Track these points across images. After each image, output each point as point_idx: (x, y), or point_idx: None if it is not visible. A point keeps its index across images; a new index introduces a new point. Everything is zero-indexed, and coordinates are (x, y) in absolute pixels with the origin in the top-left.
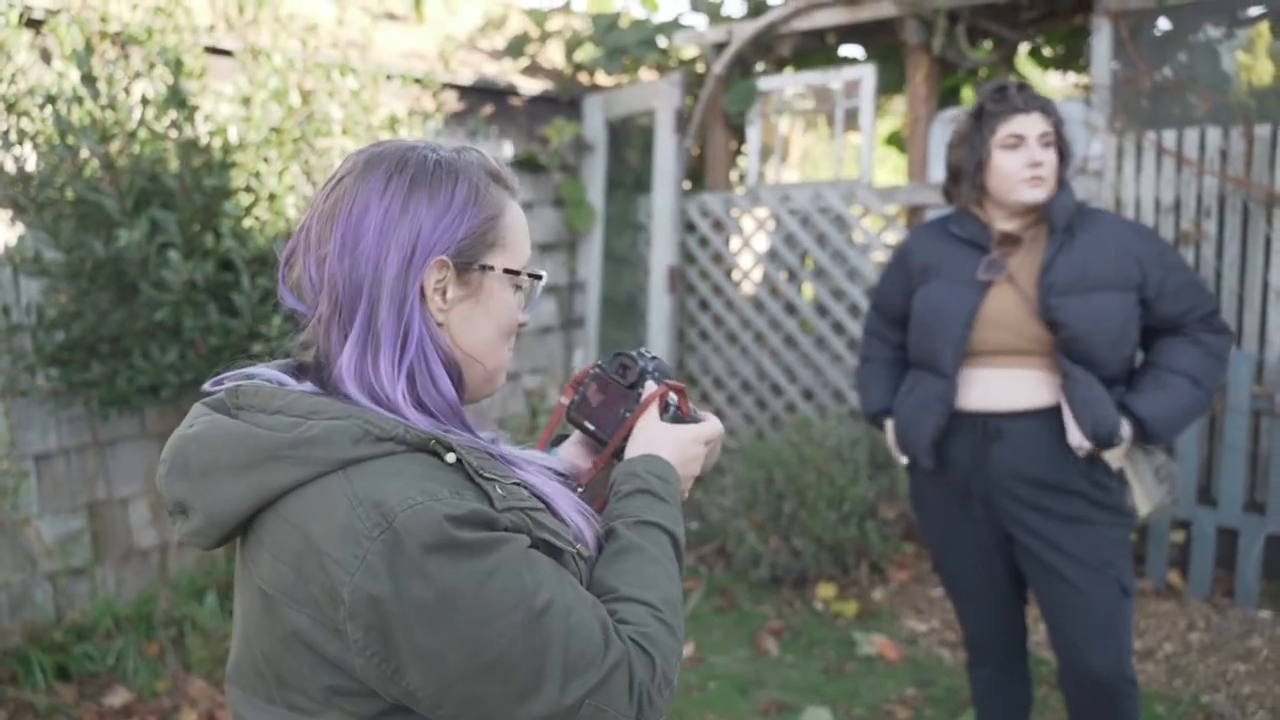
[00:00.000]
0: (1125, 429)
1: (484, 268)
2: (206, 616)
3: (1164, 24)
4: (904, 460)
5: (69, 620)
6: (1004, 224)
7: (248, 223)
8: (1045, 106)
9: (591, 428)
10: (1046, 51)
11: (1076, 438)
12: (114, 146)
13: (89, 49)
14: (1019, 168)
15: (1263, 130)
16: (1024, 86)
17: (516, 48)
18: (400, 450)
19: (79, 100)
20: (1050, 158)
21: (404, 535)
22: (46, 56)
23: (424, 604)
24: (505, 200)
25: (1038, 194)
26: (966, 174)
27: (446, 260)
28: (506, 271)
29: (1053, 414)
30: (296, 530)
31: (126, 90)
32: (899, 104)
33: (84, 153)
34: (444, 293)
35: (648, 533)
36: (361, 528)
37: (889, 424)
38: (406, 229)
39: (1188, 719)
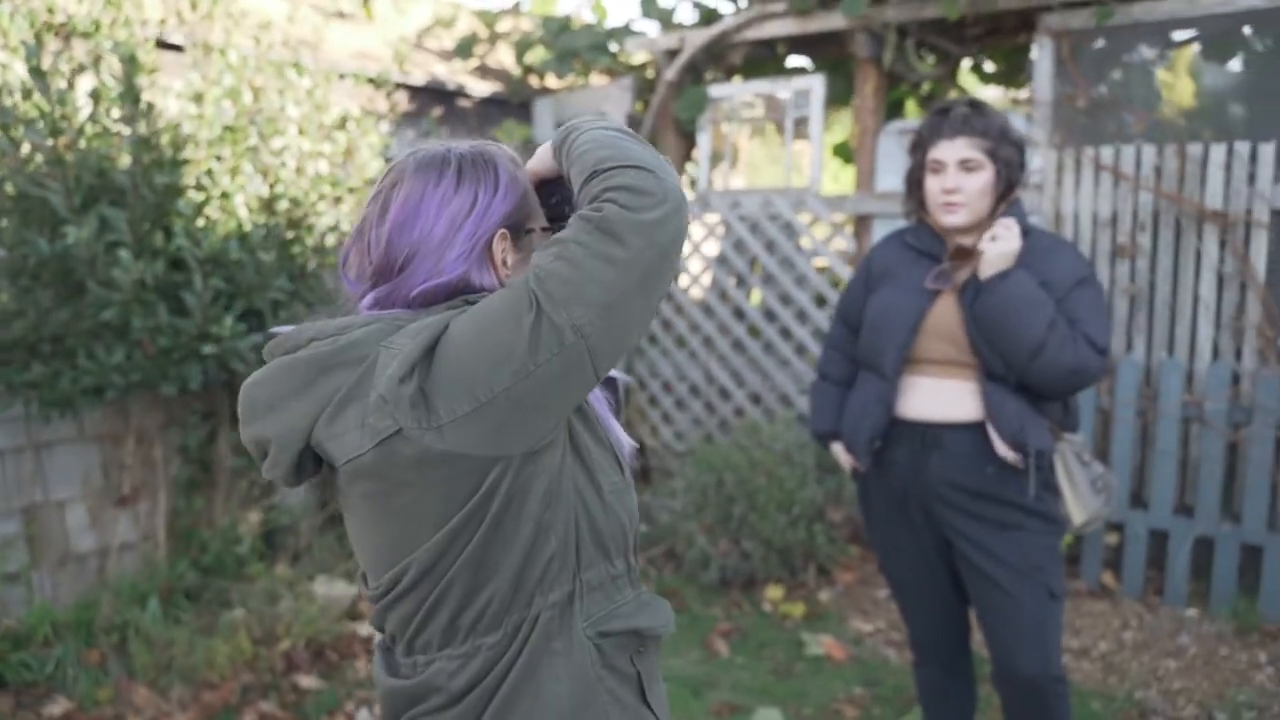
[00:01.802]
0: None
1: (528, 231)
2: (150, 622)
3: (1101, 44)
4: (849, 467)
5: (3, 627)
6: (960, 237)
7: (201, 221)
8: (982, 130)
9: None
10: (988, 67)
11: (1002, 449)
12: (62, 141)
13: (39, 41)
14: (936, 192)
15: (1195, 149)
16: (975, 105)
17: (466, 48)
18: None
19: (28, 93)
20: (970, 183)
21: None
22: None
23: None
24: (524, 175)
25: (952, 218)
26: (910, 190)
27: (505, 231)
28: (543, 230)
29: (986, 427)
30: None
31: (70, 84)
32: (843, 115)
33: (26, 147)
34: (505, 260)
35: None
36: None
37: (835, 445)
38: (460, 206)
39: (1122, 715)
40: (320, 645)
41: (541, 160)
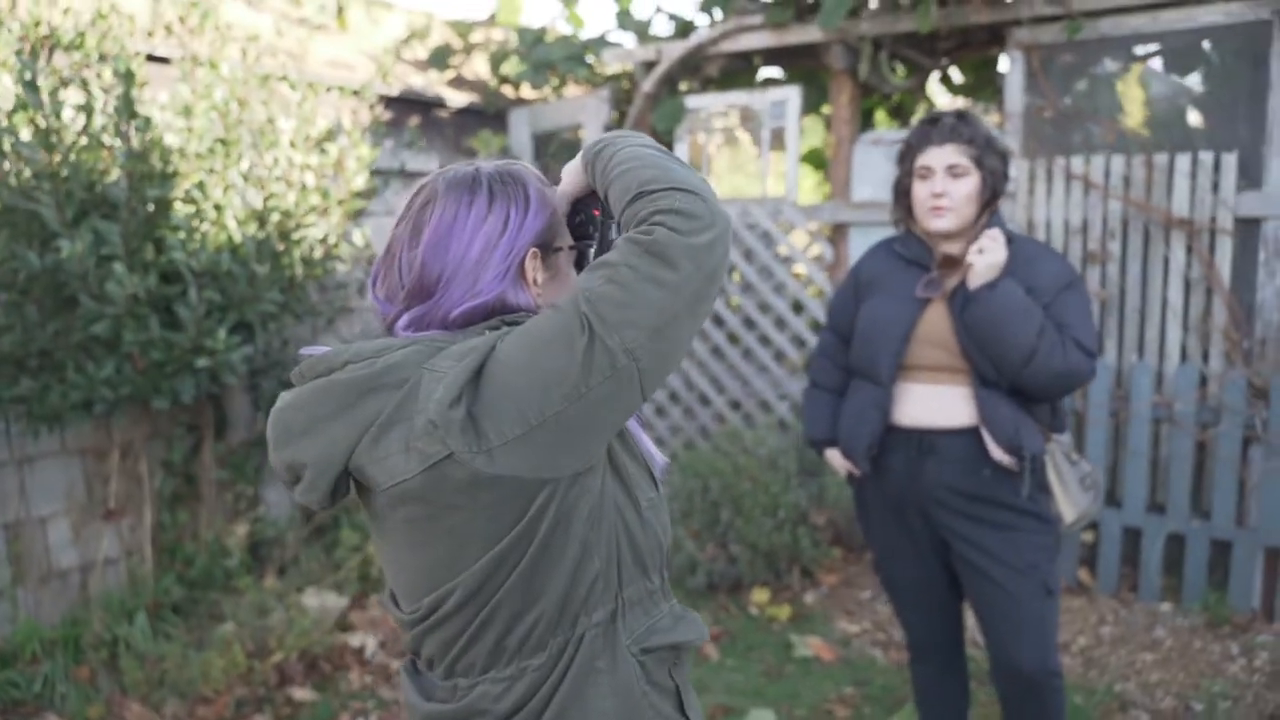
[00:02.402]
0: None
1: (557, 249)
2: (139, 638)
3: (1069, 58)
4: (845, 472)
5: None
6: (946, 245)
7: (196, 234)
8: (969, 138)
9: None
10: (957, 79)
11: (998, 453)
12: (55, 156)
13: (34, 55)
14: (925, 197)
15: (1161, 158)
16: (962, 115)
17: (440, 59)
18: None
19: (23, 107)
20: (957, 188)
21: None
22: None
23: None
24: (552, 193)
25: (940, 223)
26: (897, 198)
27: (536, 250)
28: (570, 248)
29: (980, 432)
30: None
31: (57, 96)
32: (812, 123)
33: (11, 161)
34: (536, 279)
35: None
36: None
37: (830, 452)
38: (494, 226)
39: (1103, 707)
40: (313, 657)
41: (569, 180)
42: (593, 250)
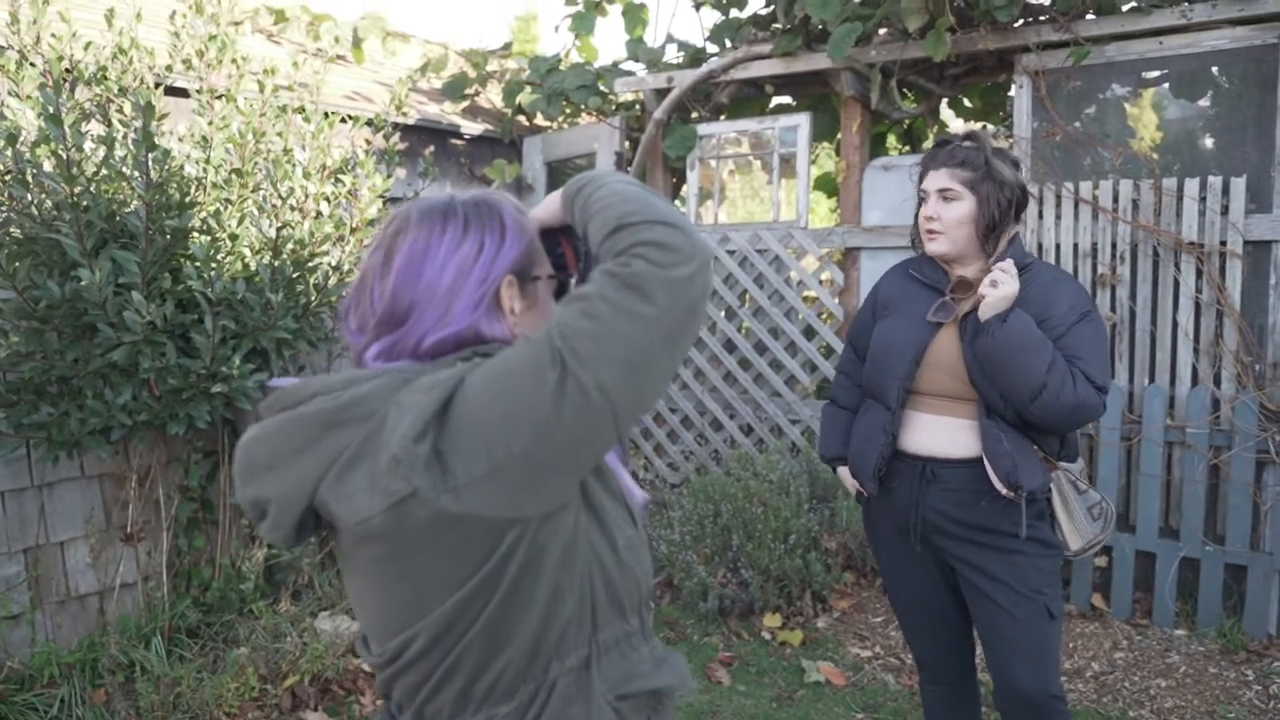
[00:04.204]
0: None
1: (534, 278)
2: (155, 661)
3: (1077, 83)
4: (855, 491)
5: (7, 669)
6: (960, 269)
7: (212, 263)
8: (962, 161)
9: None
10: (967, 104)
11: (1000, 486)
12: (76, 187)
13: (57, 89)
14: (922, 220)
15: (1170, 182)
16: (970, 137)
17: (455, 89)
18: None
19: (46, 139)
20: (948, 212)
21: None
22: None
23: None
24: (529, 222)
25: (933, 246)
26: (915, 221)
27: (513, 278)
28: (550, 277)
29: (983, 463)
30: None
31: (79, 129)
32: (824, 149)
33: (34, 192)
34: (513, 308)
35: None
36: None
37: (842, 470)
38: (467, 253)
39: None
40: (326, 681)
41: (548, 210)
42: (573, 282)
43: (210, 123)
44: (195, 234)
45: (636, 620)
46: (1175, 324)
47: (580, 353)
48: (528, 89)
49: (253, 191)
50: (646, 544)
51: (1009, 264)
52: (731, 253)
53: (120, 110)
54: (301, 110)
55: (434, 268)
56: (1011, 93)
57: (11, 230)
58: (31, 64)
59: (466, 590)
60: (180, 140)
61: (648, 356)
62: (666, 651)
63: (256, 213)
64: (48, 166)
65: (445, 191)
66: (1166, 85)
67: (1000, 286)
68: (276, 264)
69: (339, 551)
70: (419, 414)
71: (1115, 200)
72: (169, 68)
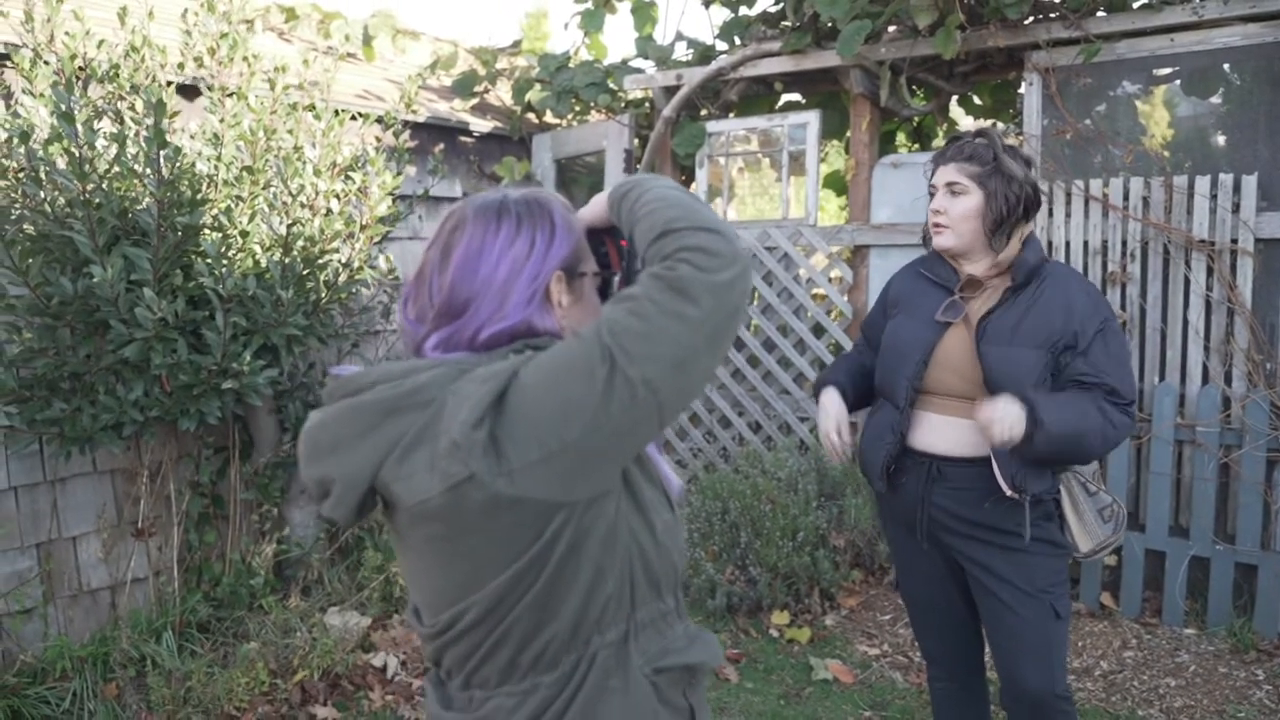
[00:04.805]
0: (1018, 425)
1: (581, 274)
2: (166, 656)
3: (1087, 80)
4: (826, 439)
5: (20, 663)
6: (969, 267)
7: (223, 260)
8: (970, 156)
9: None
10: (977, 101)
11: (1005, 487)
12: (89, 184)
13: (70, 87)
14: (930, 214)
15: (1180, 180)
16: (982, 134)
17: (465, 86)
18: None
19: (59, 137)
20: (954, 206)
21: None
22: (7, 94)
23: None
24: (576, 220)
25: (940, 240)
26: (928, 218)
27: (561, 274)
28: (594, 274)
29: (989, 462)
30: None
31: (91, 127)
32: (833, 147)
33: (47, 189)
34: (561, 302)
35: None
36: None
37: (824, 395)
38: (520, 250)
39: None
40: (335, 676)
41: (593, 211)
42: (617, 280)
43: (221, 120)
44: (206, 231)
45: (672, 600)
46: (1186, 322)
47: (629, 350)
48: (537, 86)
49: (263, 189)
50: (682, 527)
51: (984, 407)
52: None
53: (132, 108)
54: (312, 108)
55: (489, 264)
56: (1021, 90)
57: (24, 227)
58: (45, 62)
59: (517, 568)
60: (192, 138)
61: (691, 355)
62: (699, 630)
63: (267, 210)
64: (60, 164)
65: (498, 189)
66: (1178, 82)
67: (999, 422)
68: (287, 261)
69: (394, 530)
70: (477, 402)
71: (1126, 198)
72: (181, 65)
